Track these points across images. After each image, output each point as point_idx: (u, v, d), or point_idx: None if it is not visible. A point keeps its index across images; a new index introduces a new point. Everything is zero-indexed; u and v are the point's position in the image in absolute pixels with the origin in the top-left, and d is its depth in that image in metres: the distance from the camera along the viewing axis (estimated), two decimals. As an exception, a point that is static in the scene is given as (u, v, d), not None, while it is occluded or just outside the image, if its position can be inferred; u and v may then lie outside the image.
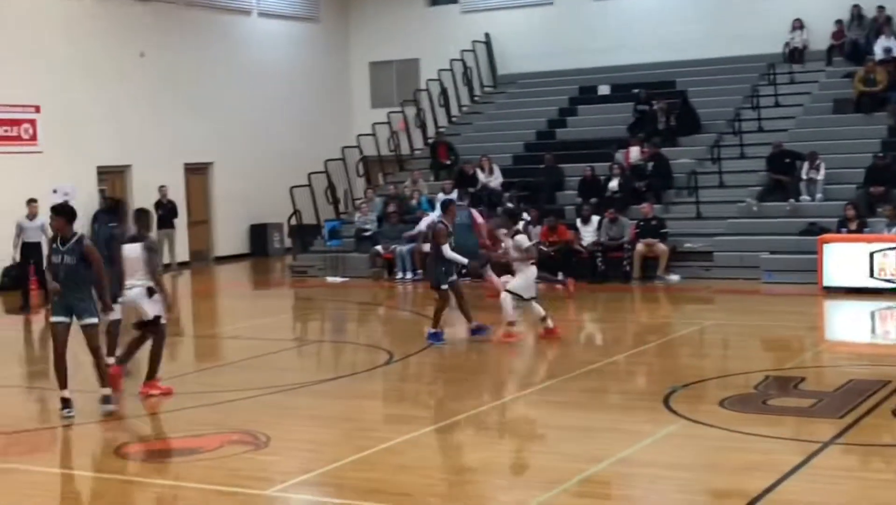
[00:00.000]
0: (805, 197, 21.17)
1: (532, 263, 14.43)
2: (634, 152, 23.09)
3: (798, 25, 25.87)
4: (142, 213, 12.08)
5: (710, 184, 22.38)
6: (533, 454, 9.23)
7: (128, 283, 11.52)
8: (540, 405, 10.97)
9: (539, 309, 14.37)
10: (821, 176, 21.12)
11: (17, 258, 19.27)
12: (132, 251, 11.49)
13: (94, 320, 10.83)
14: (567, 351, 14.42)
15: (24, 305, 19.31)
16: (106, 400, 10.96)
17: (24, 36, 23.22)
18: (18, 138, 23.26)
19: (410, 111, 28.27)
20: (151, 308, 11.54)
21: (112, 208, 14.86)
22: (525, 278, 14.28)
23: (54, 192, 23.10)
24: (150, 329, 11.70)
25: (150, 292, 11.43)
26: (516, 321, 14.49)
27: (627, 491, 8.37)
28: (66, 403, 10.91)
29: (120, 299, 11.76)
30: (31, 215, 19.31)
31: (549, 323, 14.39)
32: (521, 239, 14.43)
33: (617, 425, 10.14)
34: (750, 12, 26.76)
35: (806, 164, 21.43)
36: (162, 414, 11.24)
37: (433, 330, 14.52)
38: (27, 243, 19.18)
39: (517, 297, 14.25)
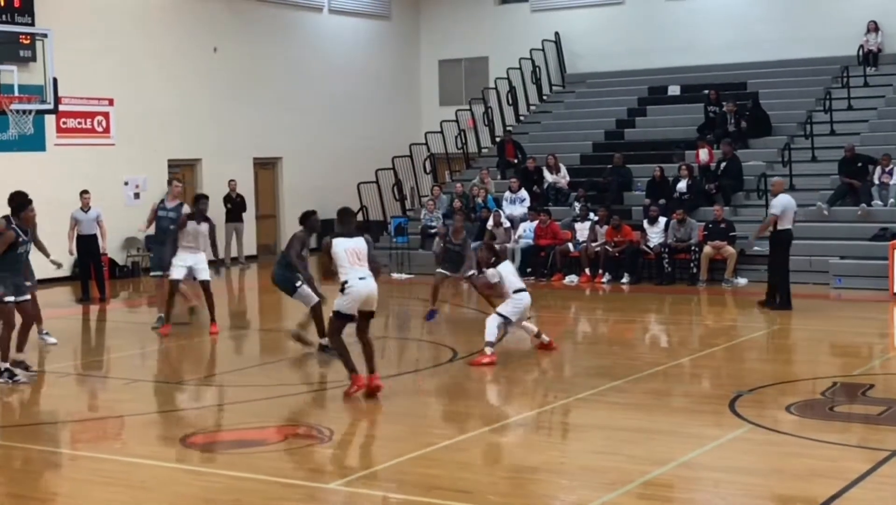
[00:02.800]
0: (877, 202, 20.85)
1: (519, 292, 13.50)
2: (704, 154, 22.90)
3: (873, 28, 25.48)
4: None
5: (780, 187, 22.12)
6: (595, 455, 9.18)
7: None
8: (604, 406, 10.91)
9: (531, 327, 13.89)
10: (893, 181, 20.81)
11: (73, 251, 19.02)
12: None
13: None
14: (632, 353, 14.35)
15: (84, 297, 19.51)
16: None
17: (100, 30, 23.57)
18: (92, 131, 23.62)
19: (479, 109, 28.27)
20: None
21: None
22: (514, 305, 13.42)
23: (126, 184, 23.52)
24: None
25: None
26: (494, 344, 13.26)
27: (690, 495, 8.30)
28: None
29: None
30: (85, 207, 19.24)
31: (545, 338, 13.87)
32: (491, 273, 13.58)
33: (681, 428, 10.07)
34: (824, 14, 26.44)
35: (878, 169, 21.12)
36: (227, 406, 11.36)
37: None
38: (82, 235, 19.05)
39: (505, 319, 13.44)
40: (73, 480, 8.96)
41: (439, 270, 16.75)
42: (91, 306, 19.22)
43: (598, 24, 29.45)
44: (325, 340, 12.63)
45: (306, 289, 13.49)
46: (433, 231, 23.73)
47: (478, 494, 8.13)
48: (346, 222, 11.28)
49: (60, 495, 8.60)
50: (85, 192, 19.41)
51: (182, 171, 25.80)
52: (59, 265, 14.80)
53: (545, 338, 13.98)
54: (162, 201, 16.04)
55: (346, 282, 10.91)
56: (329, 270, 11.08)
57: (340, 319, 11.09)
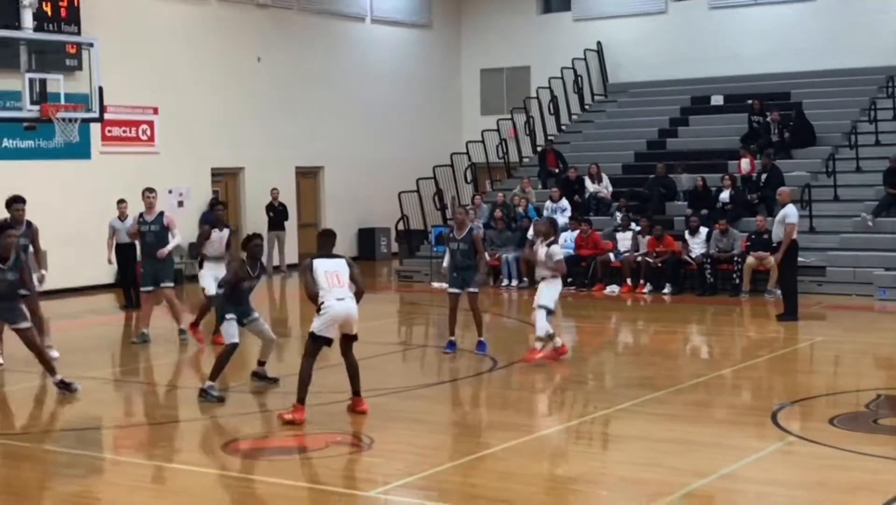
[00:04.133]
0: (923, 213, 20.65)
1: (559, 277, 13.78)
2: (745, 164, 22.76)
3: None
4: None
5: (824, 197, 21.97)
6: (636, 466, 9.15)
7: None
8: (645, 417, 10.86)
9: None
10: (939, 191, 20.59)
11: (112, 260, 18.75)
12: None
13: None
14: (673, 364, 14.28)
15: (128, 304, 19.65)
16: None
17: (145, 39, 23.81)
18: (137, 139, 23.85)
19: (520, 119, 28.27)
20: None
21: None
22: (554, 291, 13.66)
23: (169, 192, 23.69)
24: None
25: None
26: (546, 337, 13.64)
27: (732, 507, 8.25)
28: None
29: None
30: (122, 216, 19.15)
31: (558, 342, 13.86)
32: (556, 249, 13.76)
33: (723, 440, 10.00)
34: (868, 23, 26.24)
35: (924, 180, 20.91)
36: (269, 412, 11.41)
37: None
38: (121, 244, 18.86)
39: (550, 311, 13.61)
40: (116, 486, 9.04)
41: (449, 289, 14.62)
42: (133, 313, 19.34)
43: (640, 33, 29.38)
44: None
45: (230, 326, 11.87)
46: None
47: (518, 504, 8.12)
48: (326, 244, 11.09)
49: (104, 501, 8.67)
50: (122, 200, 19.36)
51: (225, 179, 26.00)
52: (40, 281, 14.55)
53: (559, 342, 13.87)
54: (141, 216, 15.65)
55: (322, 302, 10.69)
56: (312, 292, 10.79)
57: (315, 341, 10.75)
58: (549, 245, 13.72)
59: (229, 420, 11.08)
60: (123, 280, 19.99)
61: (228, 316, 11.86)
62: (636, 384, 12.57)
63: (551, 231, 13.94)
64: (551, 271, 13.66)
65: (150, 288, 15.66)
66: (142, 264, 15.98)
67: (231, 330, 11.84)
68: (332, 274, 10.79)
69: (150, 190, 15.83)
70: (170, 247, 15.64)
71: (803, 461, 9.31)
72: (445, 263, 15.11)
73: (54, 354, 14.12)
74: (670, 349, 15.61)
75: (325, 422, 10.73)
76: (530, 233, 22.48)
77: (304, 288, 11.05)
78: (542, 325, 13.48)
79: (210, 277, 15.05)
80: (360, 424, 10.63)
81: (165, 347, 15.61)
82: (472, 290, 14.38)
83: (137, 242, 16.49)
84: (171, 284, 15.74)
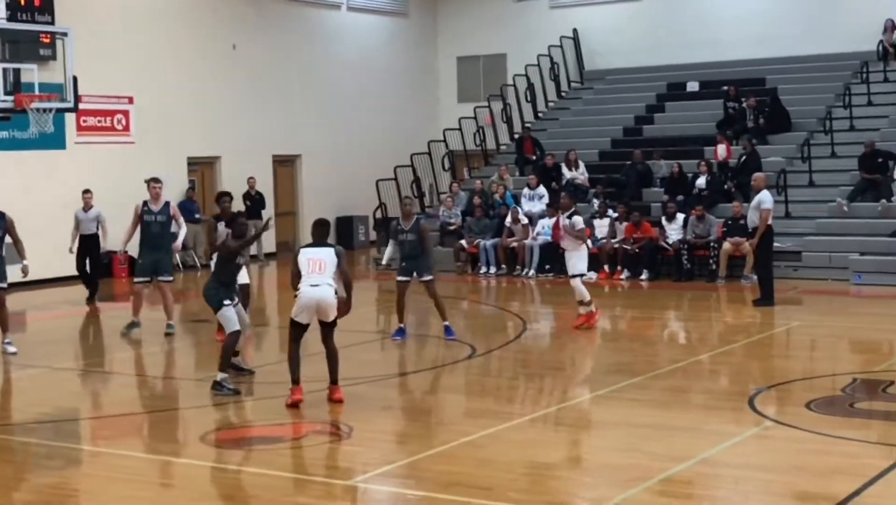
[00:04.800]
0: (897, 197, 20.78)
1: (583, 244, 15.29)
2: (722, 150, 22.83)
3: (890, 26, 25.31)
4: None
5: (799, 183, 22.07)
6: (615, 452, 9.19)
7: None
8: (623, 403, 10.91)
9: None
10: (914, 176, 20.72)
11: (74, 250, 18.65)
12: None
13: None
14: (651, 349, 14.33)
15: (90, 297, 19.29)
16: None
17: (119, 28, 23.65)
18: (112, 129, 23.72)
19: (497, 106, 28.26)
20: None
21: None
22: (582, 257, 15.24)
23: (145, 182, 23.57)
24: None
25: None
26: (587, 301, 15.21)
27: (710, 491, 8.29)
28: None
29: None
30: (87, 206, 18.95)
31: (592, 308, 15.31)
32: (577, 220, 15.19)
33: (700, 425, 10.06)
34: (843, 9, 26.37)
35: (899, 165, 21.05)
36: (247, 402, 11.40)
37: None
38: (84, 235, 18.75)
39: (584, 275, 15.34)
40: (94, 477, 9.02)
41: (398, 277, 14.82)
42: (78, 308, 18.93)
43: (616, 20, 29.40)
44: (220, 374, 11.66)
45: (229, 312, 11.75)
46: (451, 228, 23.76)
47: (497, 491, 8.15)
48: (317, 234, 11.16)
49: (82, 492, 8.65)
50: (87, 191, 19.12)
51: (201, 168, 25.90)
52: (24, 272, 14.44)
53: (593, 307, 15.32)
54: (145, 204, 15.32)
55: (298, 288, 10.83)
56: (293, 279, 10.90)
57: (293, 326, 10.96)
58: (570, 217, 15.16)
59: (209, 410, 11.06)
60: (82, 271, 19.54)
61: (226, 302, 11.75)
62: (614, 370, 12.62)
63: (572, 203, 15.55)
64: (576, 241, 15.11)
65: (147, 279, 15.39)
66: (140, 254, 15.49)
67: (230, 315, 11.72)
68: (315, 261, 10.83)
69: (156, 180, 15.56)
70: (181, 239, 15.64)
71: (781, 446, 9.37)
72: (387, 256, 15.66)
73: (11, 349, 14.04)
74: (648, 335, 15.67)
75: (304, 411, 10.72)
76: (508, 220, 22.57)
77: (291, 275, 11.07)
78: (581, 290, 15.06)
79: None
80: (339, 412, 10.63)
81: (148, 338, 15.55)
82: (425, 278, 14.58)
83: (127, 240, 15.92)
84: (170, 279, 15.50)
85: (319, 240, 11.12)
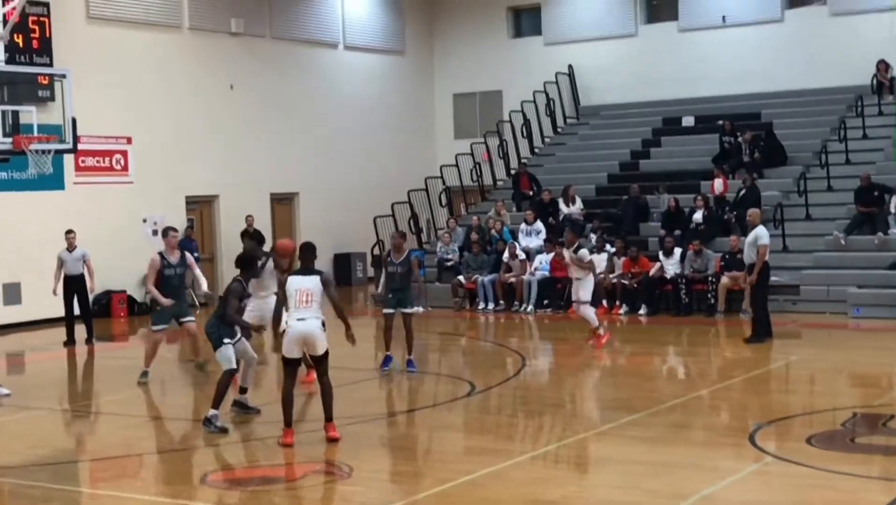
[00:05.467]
0: (894, 230, 20.82)
1: (591, 274, 16.62)
2: (719, 184, 22.90)
3: (883, 68, 25.32)
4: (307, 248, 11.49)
5: (796, 217, 22.12)
6: (615, 490, 9.16)
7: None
8: (623, 440, 10.89)
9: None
10: (910, 209, 20.78)
11: (57, 292, 18.47)
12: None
13: None
14: (651, 385, 14.31)
15: (68, 340, 18.89)
16: None
17: (118, 69, 23.76)
18: (110, 168, 23.77)
19: (493, 142, 28.38)
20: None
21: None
22: (588, 286, 16.57)
23: (144, 221, 23.65)
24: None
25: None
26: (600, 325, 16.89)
27: (711, 529, 8.27)
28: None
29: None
30: (70, 247, 18.72)
31: (601, 330, 16.79)
32: (584, 253, 16.58)
33: (701, 462, 10.04)
34: (837, 44, 26.48)
35: (894, 197, 21.08)
36: (246, 443, 11.37)
37: None
38: (69, 276, 18.55)
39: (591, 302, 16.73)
40: (93, 519, 8.99)
41: (384, 310, 15.16)
42: (76, 348, 18.67)
43: (611, 56, 29.56)
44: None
45: (228, 351, 11.74)
46: (449, 264, 23.78)
47: (498, 530, 8.12)
48: (306, 259, 11.08)
49: (82, 535, 8.62)
50: (70, 231, 18.92)
51: (200, 207, 25.94)
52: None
53: (601, 331, 16.80)
54: (163, 256, 14.84)
55: (286, 322, 10.80)
56: (277, 309, 10.88)
57: (285, 362, 10.91)
58: (575, 251, 16.45)
59: (210, 451, 11.03)
60: (67, 313, 19.09)
61: (226, 340, 11.74)
62: (614, 406, 12.61)
63: (575, 238, 16.86)
64: (584, 271, 16.44)
65: (165, 326, 15.10)
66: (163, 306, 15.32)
67: (229, 354, 11.72)
68: (303, 292, 10.79)
69: (174, 229, 15.43)
70: (205, 287, 15.70)
71: (781, 481, 9.35)
72: (381, 285, 15.79)
73: (4, 391, 14.01)
74: (647, 370, 15.65)
75: (303, 451, 10.70)
76: (506, 256, 22.59)
77: (277, 305, 11.08)
78: (591, 315, 16.73)
79: (253, 315, 13.73)
80: (336, 451, 10.60)
81: (154, 378, 15.52)
82: (406, 310, 14.94)
83: (151, 293, 15.30)
84: (193, 318, 15.30)
85: (307, 265, 11.05)
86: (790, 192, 22.98)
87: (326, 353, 10.91)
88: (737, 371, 14.92)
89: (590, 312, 16.70)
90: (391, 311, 15.00)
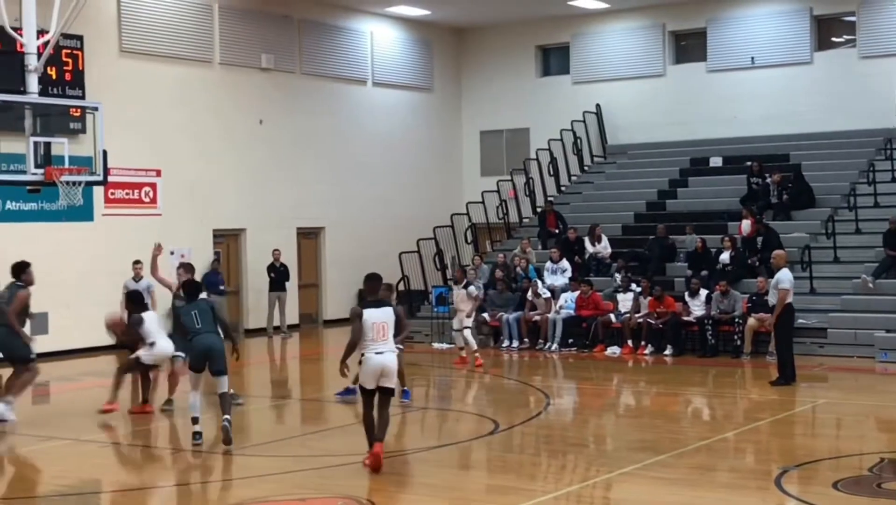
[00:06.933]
0: (923, 274, 20.68)
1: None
2: (746, 225, 22.81)
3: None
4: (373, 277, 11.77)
5: (824, 259, 22.01)
6: (639, 531, 9.10)
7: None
8: (648, 481, 10.82)
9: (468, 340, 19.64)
10: (939, 253, 20.63)
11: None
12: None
13: None
14: (676, 426, 14.23)
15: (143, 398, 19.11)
16: None
17: (149, 101, 23.98)
18: (139, 201, 23.93)
19: (520, 180, 28.42)
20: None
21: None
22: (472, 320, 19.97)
23: (171, 253, 23.73)
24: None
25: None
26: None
27: (736, 573, 8.19)
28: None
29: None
30: (137, 277, 18.98)
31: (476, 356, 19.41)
32: (472, 289, 19.89)
33: None
34: (865, 86, 26.43)
35: (924, 241, 20.98)
36: (268, 477, 11.36)
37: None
38: None
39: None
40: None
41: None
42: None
43: (639, 95, 29.62)
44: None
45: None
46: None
47: (521, 570, 8.07)
48: (373, 289, 11.48)
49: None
50: (137, 262, 19.26)
51: (227, 240, 26.06)
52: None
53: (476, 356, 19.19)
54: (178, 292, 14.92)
55: (363, 354, 11.19)
56: (354, 340, 11.18)
57: (362, 392, 11.36)
58: (465, 287, 19.64)
59: (233, 484, 11.02)
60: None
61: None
62: (638, 447, 12.52)
63: (463, 276, 20.30)
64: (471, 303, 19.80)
65: (185, 355, 14.93)
66: (174, 337, 15.43)
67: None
68: (379, 325, 11.21)
69: (184, 267, 15.55)
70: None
71: (807, 526, 9.26)
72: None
73: (11, 417, 14.20)
74: (672, 411, 15.56)
75: (327, 486, 10.68)
76: (530, 294, 22.57)
77: (351, 334, 11.33)
78: (472, 341, 19.80)
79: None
80: (360, 488, 10.57)
81: (168, 411, 15.56)
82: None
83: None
84: (182, 356, 15.35)
85: (375, 295, 11.46)
86: (818, 234, 22.89)
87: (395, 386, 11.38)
88: (763, 413, 14.82)
89: (472, 337, 19.89)
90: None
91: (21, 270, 14.61)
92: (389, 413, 11.36)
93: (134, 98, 23.53)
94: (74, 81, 22.13)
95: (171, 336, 15.22)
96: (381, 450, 11.10)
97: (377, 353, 11.13)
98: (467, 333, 19.72)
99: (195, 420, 12.67)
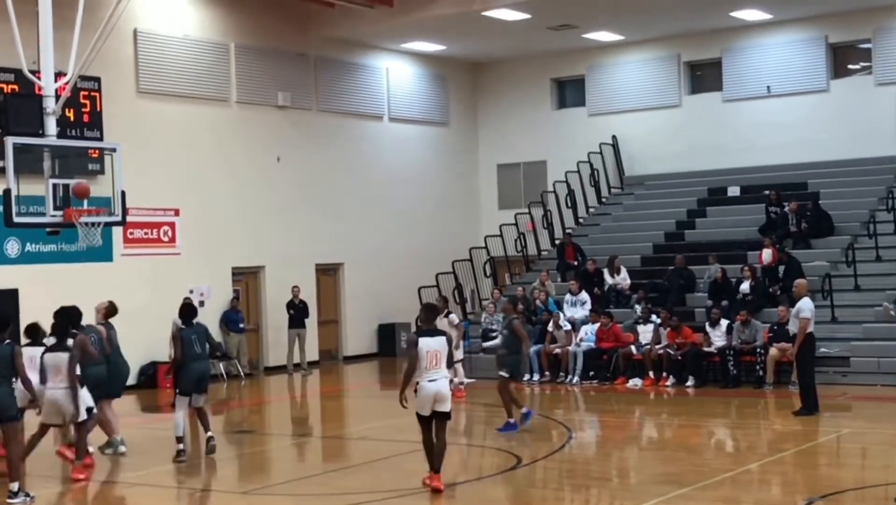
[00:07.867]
0: (945, 301, 20.54)
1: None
2: (767, 254, 22.72)
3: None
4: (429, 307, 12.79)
5: (845, 287, 21.90)
6: (664, 566, 9.02)
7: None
8: (671, 515, 10.74)
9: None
10: (961, 279, 20.51)
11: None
12: None
13: None
14: (699, 458, 14.13)
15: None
16: None
17: (166, 141, 24.10)
18: (158, 240, 24.01)
19: (538, 212, 28.43)
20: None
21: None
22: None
23: (191, 292, 23.81)
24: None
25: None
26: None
27: None
28: None
29: None
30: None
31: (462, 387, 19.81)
32: (452, 317, 20.51)
33: (751, 538, 9.87)
34: (882, 112, 26.37)
35: (945, 268, 20.86)
36: (291, 515, 11.34)
37: None
38: None
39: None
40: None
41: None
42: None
43: (655, 126, 29.62)
44: None
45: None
46: (493, 334, 23.67)
47: None
48: (429, 319, 12.14)
49: None
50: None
51: (246, 278, 26.11)
52: None
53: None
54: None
55: (418, 382, 11.60)
56: (410, 367, 11.68)
57: (419, 419, 11.83)
58: (446, 315, 19.65)
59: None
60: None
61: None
62: (662, 480, 12.44)
63: (445, 306, 20.70)
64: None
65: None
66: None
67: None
68: (433, 354, 11.68)
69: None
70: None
71: (834, 559, 9.16)
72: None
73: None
74: (695, 443, 15.47)
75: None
76: (550, 326, 22.51)
77: (407, 361, 11.87)
78: (462, 373, 20.68)
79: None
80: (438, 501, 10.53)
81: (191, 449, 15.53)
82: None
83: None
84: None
85: (429, 324, 12.06)
86: (838, 262, 22.78)
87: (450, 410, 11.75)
88: (787, 444, 14.70)
89: (461, 370, 20.65)
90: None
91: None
92: (446, 438, 11.80)
93: (152, 138, 23.65)
94: (92, 123, 22.28)
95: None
96: (440, 482, 11.63)
97: (430, 380, 11.60)
98: (458, 366, 20.33)
99: (179, 439, 13.88)
